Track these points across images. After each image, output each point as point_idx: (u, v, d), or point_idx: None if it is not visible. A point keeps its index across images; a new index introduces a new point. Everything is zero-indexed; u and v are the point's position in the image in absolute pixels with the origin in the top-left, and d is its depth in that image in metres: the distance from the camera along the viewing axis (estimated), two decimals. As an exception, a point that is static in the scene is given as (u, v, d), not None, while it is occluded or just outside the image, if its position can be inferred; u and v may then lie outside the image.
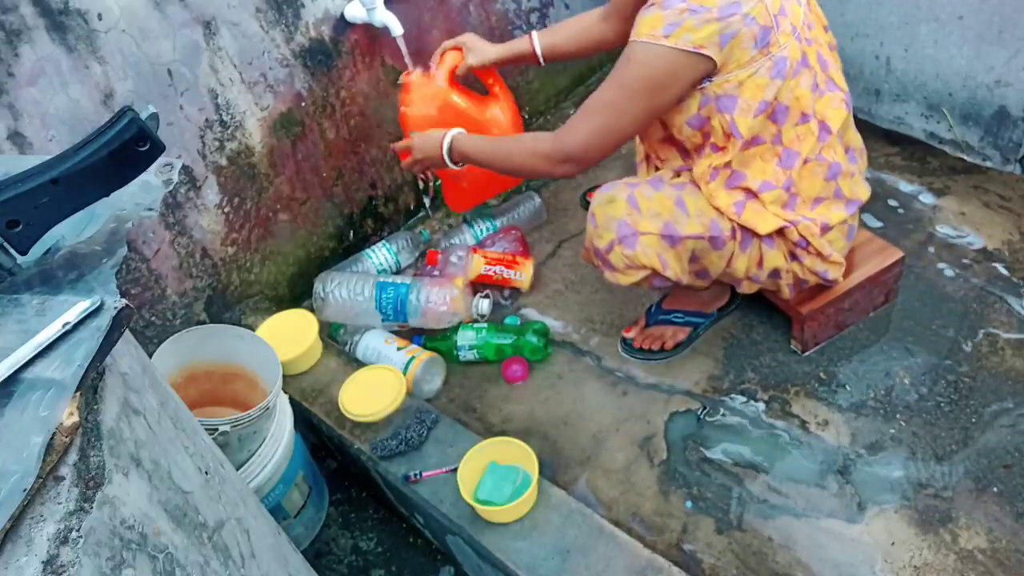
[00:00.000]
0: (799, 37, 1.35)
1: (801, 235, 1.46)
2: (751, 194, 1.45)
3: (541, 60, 1.76)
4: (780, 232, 1.46)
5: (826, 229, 1.48)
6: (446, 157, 1.61)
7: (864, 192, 1.54)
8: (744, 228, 1.46)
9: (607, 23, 1.70)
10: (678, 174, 1.52)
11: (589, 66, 2.59)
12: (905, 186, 1.99)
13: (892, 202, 1.95)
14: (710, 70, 1.32)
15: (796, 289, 1.58)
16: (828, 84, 1.42)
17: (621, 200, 1.44)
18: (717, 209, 1.45)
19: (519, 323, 1.87)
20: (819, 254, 1.49)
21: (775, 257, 1.50)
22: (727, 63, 1.31)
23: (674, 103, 1.38)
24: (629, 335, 1.76)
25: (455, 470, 1.44)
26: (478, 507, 1.38)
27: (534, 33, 1.75)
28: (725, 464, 1.53)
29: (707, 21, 1.26)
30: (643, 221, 1.43)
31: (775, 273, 1.53)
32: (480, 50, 1.75)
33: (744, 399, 1.63)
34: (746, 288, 1.59)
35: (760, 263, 1.51)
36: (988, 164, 1.98)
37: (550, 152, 1.44)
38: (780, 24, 1.31)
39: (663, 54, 1.29)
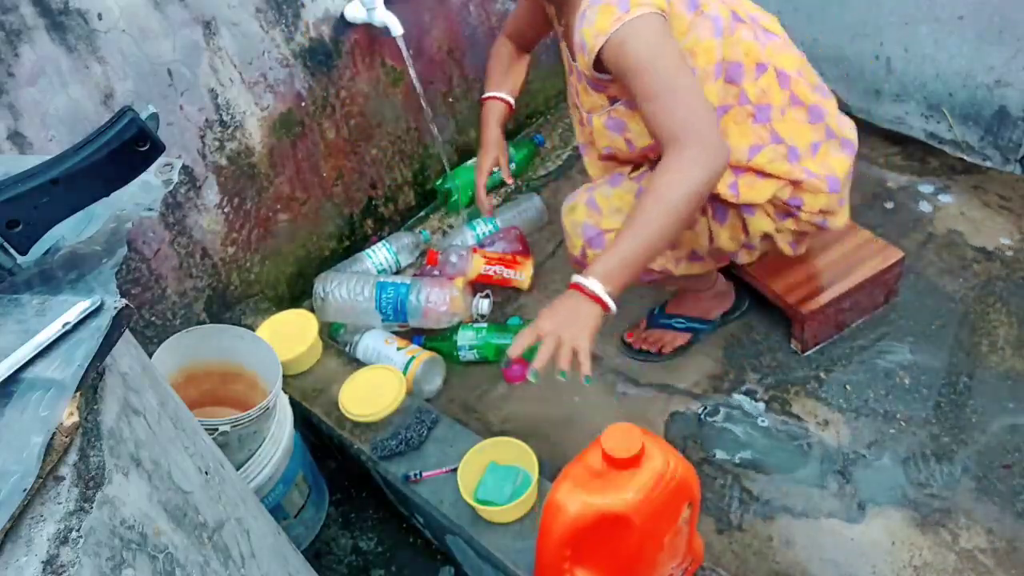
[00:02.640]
0: None
1: (795, 194, 1.39)
2: (740, 169, 1.38)
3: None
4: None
5: (835, 183, 1.40)
6: (610, 304, 1.18)
7: (852, 132, 1.46)
8: (716, 200, 1.40)
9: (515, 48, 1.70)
10: (636, 168, 1.47)
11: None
12: (905, 186, 1.99)
13: (892, 202, 1.95)
14: None
15: (799, 243, 1.52)
16: (766, 34, 1.37)
17: (581, 205, 1.45)
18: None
19: (520, 323, 1.87)
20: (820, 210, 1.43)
21: (760, 222, 1.44)
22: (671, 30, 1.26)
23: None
24: (629, 338, 1.76)
25: (455, 470, 1.44)
26: (478, 507, 1.38)
27: (498, 93, 1.68)
28: (725, 464, 1.53)
29: None
30: (604, 219, 1.43)
31: (767, 237, 1.48)
32: (502, 146, 1.68)
33: (744, 399, 1.63)
34: (745, 258, 1.53)
35: (745, 230, 1.46)
36: (988, 164, 1.98)
37: (705, 164, 1.19)
38: None
39: (640, 25, 1.20)
